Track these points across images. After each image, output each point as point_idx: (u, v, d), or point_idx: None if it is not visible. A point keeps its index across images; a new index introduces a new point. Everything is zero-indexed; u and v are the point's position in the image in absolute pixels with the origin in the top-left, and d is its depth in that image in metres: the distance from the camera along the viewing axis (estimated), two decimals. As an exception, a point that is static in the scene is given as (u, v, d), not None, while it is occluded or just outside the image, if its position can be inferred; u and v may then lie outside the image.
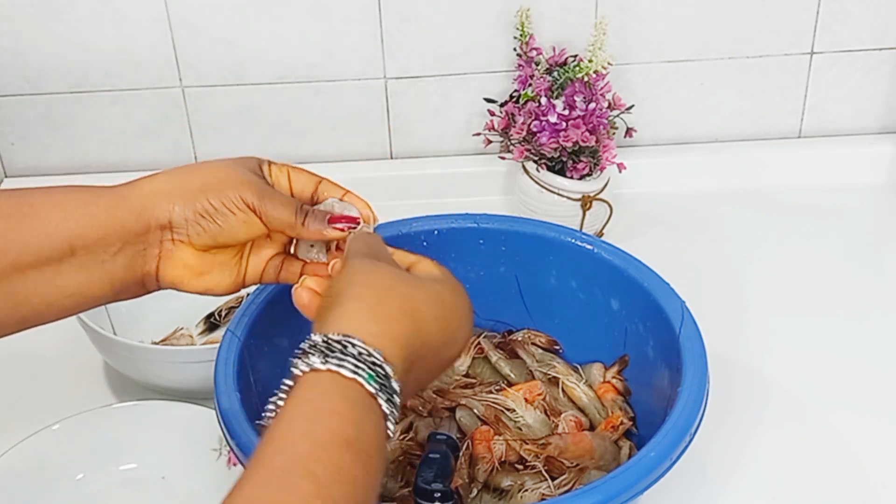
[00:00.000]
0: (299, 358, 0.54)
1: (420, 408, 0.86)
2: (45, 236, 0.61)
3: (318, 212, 0.68)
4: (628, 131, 1.14)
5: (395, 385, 0.54)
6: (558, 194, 1.09)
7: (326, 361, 0.53)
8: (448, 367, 0.64)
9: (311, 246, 0.71)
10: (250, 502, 0.47)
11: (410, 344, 0.57)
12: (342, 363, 0.52)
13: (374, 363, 0.53)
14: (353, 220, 0.68)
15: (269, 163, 0.70)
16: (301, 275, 0.70)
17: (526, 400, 0.85)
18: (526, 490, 0.78)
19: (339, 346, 0.53)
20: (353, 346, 0.53)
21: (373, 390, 0.52)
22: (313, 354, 0.53)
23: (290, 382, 0.53)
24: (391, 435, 0.54)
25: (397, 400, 0.54)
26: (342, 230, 0.68)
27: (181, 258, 0.65)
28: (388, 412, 0.53)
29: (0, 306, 0.60)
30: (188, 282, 0.66)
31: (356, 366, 0.52)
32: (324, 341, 0.54)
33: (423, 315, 0.58)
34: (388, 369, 0.54)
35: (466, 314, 0.64)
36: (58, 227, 0.62)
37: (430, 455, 0.77)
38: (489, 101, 1.17)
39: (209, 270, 0.67)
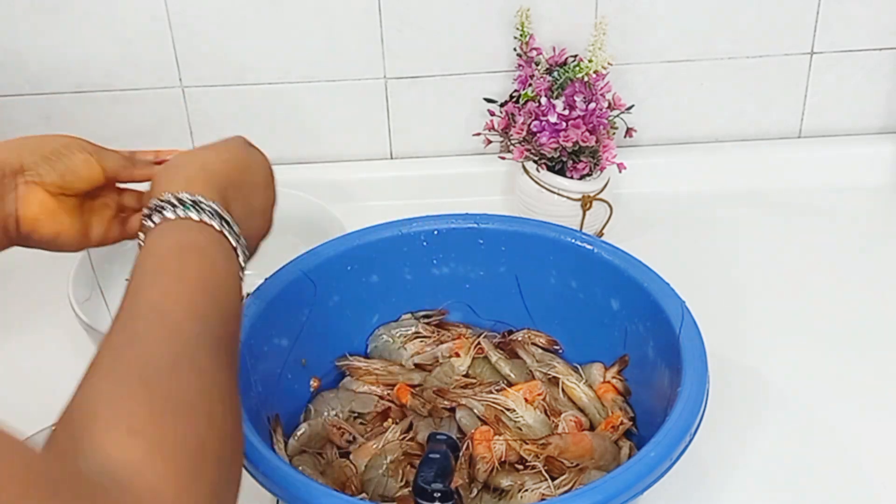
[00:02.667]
0: (149, 218, 0.63)
1: (420, 408, 0.86)
2: None
3: (140, 156, 0.79)
4: (628, 131, 1.14)
5: (227, 215, 0.63)
6: (558, 194, 1.09)
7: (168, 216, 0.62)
8: (259, 189, 0.72)
9: None
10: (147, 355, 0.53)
11: (216, 183, 0.66)
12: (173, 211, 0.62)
13: (197, 203, 0.63)
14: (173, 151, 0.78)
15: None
16: None
17: (526, 400, 0.85)
18: (526, 490, 0.78)
19: (170, 205, 0.62)
20: (180, 200, 0.62)
21: (217, 226, 0.62)
22: (160, 212, 0.63)
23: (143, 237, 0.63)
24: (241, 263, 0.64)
25: (236, 229, 0.64)
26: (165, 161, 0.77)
27: (35, 197, 0.71)
28: (229, 237, 0.63)
29: None
30: (43, 222, 0.72)
31: (189, 210, 0.62)
32: (158, 204, 0.63)
33: (211, 164, 0.68)
34: (213, 204, 0.63)
35: (238, 147, 0.73)
36: None
37: (430, 455, 0.77)
38: (489, 101, 1.17)
39: (60, 213, 0.72)
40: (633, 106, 1.14)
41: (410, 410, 0.86)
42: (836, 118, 1.25)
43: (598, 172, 1.10)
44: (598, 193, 1.10)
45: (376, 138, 1.25)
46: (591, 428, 0.85)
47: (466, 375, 0.90)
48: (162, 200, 0.63)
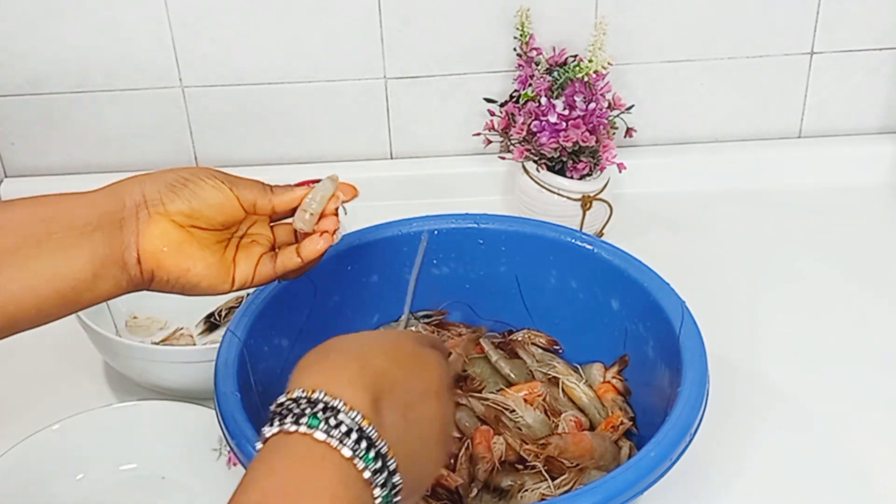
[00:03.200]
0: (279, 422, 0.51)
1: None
2: (21, 219, 0.62)
3: (281, 186, 0.70)
4: (628, 131, 1.14)
5: (371, 431, 0.51)
6: (558, 194, 1.09)
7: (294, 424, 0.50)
8: (427, 399, 0.58)
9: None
10: None
11: (368, 379, 0.54)
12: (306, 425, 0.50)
13: (332, 409, 0.50)
14: (313, 181, 0.71)
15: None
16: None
17: (526, 400, 0.85)
18: (526, 490, 0.78)
19: (296, 407, 0.51)
20: (310, 401, 0.51)
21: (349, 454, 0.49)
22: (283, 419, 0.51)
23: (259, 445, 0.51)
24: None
25: (381, 448, 0.51)
26: (307, 183, 0.71)
27: (158, 227, 0.65)
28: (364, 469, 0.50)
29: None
30: (167, 255, 0.65)
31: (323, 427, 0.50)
32: (281, 403, 0.52)
33: (368, 354, 0.56)
34: (352, 416, 0.50)
35: (416, 343, 0.61)
36: (35, 211, 0.63)
37: None
38: (489, 101, 1.17)
39: (189, 244, 0.66)
40: (633, 106, 1.14)
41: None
42: (836, 118, 1.25)
43: (598, 172, 1.10)
44: (598, 193, 1.10)
45: (376, 138, 1.25)
46: (591, 428, 0.85)
47: (466, 375, 0.90)
48: (287, 399, 0.52)
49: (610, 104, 1.10)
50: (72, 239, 0.62)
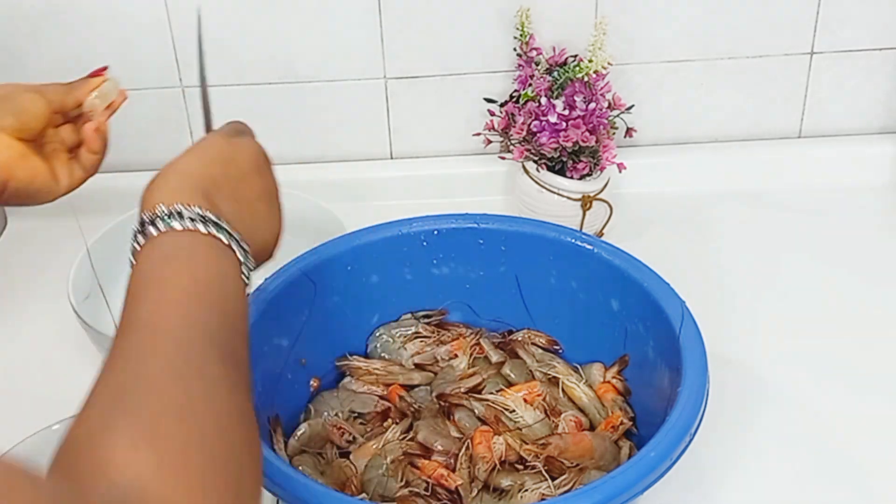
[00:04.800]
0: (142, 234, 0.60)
1: (408, 409, 0.86)
2: None
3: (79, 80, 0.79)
4: (628, 131, 1.14)
5: (212, 215, 0.60)
6: (558, 194, 1.09)
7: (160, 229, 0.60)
8: (249, 179, 0.68)
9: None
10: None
11: (196, 186, 0.63)
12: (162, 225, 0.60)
13: (178, 213, 0.60)
14: (101, 69, 0.83)
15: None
16: None
17: (526, 400, 0.85)
18: (526, 490, 0.78)
19: (150, 222, 0.60)
20: (159, 215, 0.60)
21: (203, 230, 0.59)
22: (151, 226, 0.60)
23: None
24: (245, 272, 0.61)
25: (226, 226, 0.61)
26: (100, 75, 0.82)
27: (2, 142, 0.72)
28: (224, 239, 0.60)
29: None
30: (17, 166, 0.72)
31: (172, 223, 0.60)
32: (137, 226, 0.61)
33: (189, 168, 0.65)
34: (195, 209, 0.60)
35: (225, 140, 0.70)
36: None
37: None
38: (489, 101, 1.17)
39: (30, 156, 0.73)
40: (633, 106, 1.14)
41: (399, 412, 0.87)
42: (836, 118, 1.25)
43: (598, 172, 1.10)
44: (598, 193, 1.10)
45: (376, 138, 1.25)
46: (591, 428, 0.85)
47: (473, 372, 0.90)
48: (142, 220, 0.60)
49: (610, 104, 1.10)
50: None
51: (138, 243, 0.60)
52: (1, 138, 0.72)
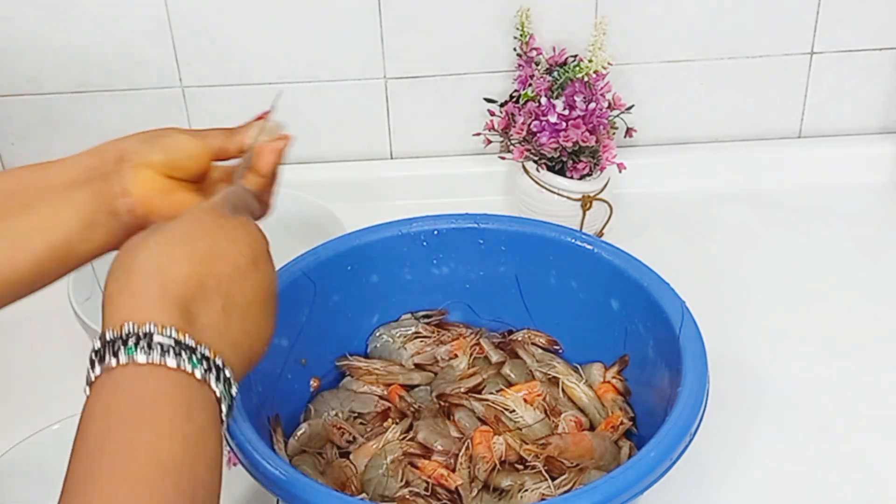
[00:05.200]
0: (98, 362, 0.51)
1: (408, 409, 0.86)
2: (5, 187, 0.64)
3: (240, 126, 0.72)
4: (628, 131, 1.14)
5: (189, 340, 0.51)
6: (558, 194, 1.09)
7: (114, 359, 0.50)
8: (241, 277, 0.58)
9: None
10: None
11: (173, 293, 0.53)
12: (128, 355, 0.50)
13: (146, 337, 0.50)
14: (263, 114, 0.74)
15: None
16: None
17: (526, 400, 0.85)
18: (526, 490, 0.78)
19: (110, 347, 0.51)
20: (122, 338, 0.51)
21: (174, 364, 0.50)
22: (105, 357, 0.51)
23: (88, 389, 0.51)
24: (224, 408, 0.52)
25: (204, 352, 0.51)
26: (262, 117, 0.73)
27: (144, 175, 0.66)
28: (204, 377, 0.51)
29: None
30: (159, 201, 0.67)
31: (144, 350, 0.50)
32: (97, 347, 0.52)
33: (166, 266, 0.55)
34: (168, 335, 0.51)
35: (214, 222, 0.59)
36: (17, 178, 0.65)
37: None
38: (489, 101, 1.17)
39: (176, 190, 0.68)
40: (633, 106, 1.14)
41: (399, 412, 0.87)
42: (836, 118, 1.25)
43: (598, 172, 1.10)
44: (598, 193, 1.10)
45: (376, 138, 1.25)
46: (591, 428, 0.85)
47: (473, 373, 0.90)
48: (103, 340, 0.51)
49: (610, 104, 1.10)
50: (58, 195, 0.64)
51: (93, 370, 0.51)
52: (145, 172, 0.67)
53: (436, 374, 0.90)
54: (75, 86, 1.20)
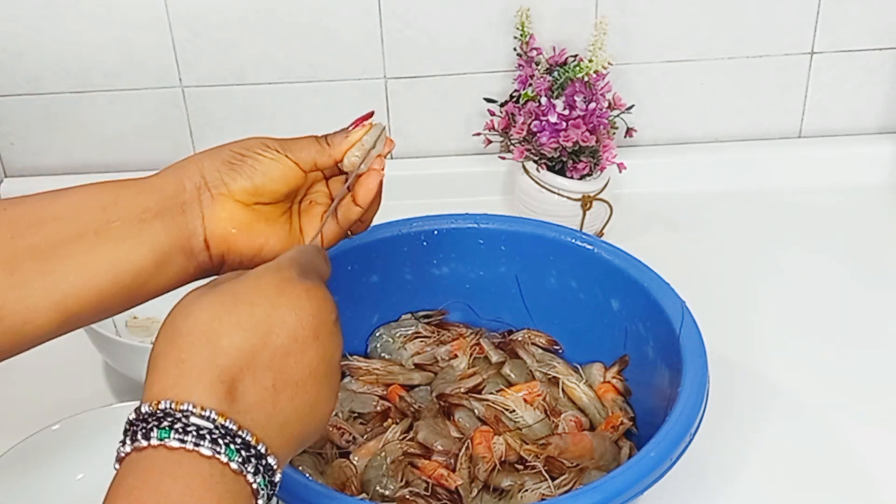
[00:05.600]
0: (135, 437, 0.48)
1: (408, 409, 0.86)
2: (80, 206, 0.59)
3: (339, 130, 0.66)
4: (628, 131, 1.14)
5: (230, 424, 0.48)
6: (558, 194, 1.09)
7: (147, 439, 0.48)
8: (297, 352, 0.52)
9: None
10: None
11: (221, 367, 0.49)
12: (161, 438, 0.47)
13: (183, 419, 0.47)
14: (366, 116, 0.67)
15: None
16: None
17: (526, 400, 0.85)
18: (526, 490, 0.78)
19: (142, 425, 0.48)
20: (157, 416, 0.47)
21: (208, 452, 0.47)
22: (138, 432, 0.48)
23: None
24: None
25: (246, 437, 0.48)
26: (362, 123, 0.67)
27: (224, 209, 0.62)
28: (243, 471, 0.47)
29: (36, 286, 0.57)
30: (238, 237, 0.63)
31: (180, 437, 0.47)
32: (133, 420, 0.49)
33: (218, 338, 0.50)
34: (209, 415, 0.47)
35: (277, 288, 0.54)
36: (93, 196, 0.60)
37: None
38: (489, 100, 1.16)
39: (257, 224, 0.63)
40: (633, 106, 1.14)
41: (399, 412, 0.87)
42: (836, 118, 1.25)
43: (599, 172, 1.10)
44: (598, 193, 1.10)
45: (376, 138, 1.25)
46: (592, 428, 0.85)
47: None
48: (139, 415, 0.48)
49: (610, 104, 1.10)
50: (132, 227, 0.60)
51: (124, 446, 0.49)
52: (224, 205, 0.62)
53: (436, 374, 0.90)
54: (75, 86, 1.20)
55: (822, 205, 1.20)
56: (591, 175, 1.10)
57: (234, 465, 0.47)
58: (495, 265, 0.92)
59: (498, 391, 0.87)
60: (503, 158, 1.15)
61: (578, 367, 0.90)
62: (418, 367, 0.91)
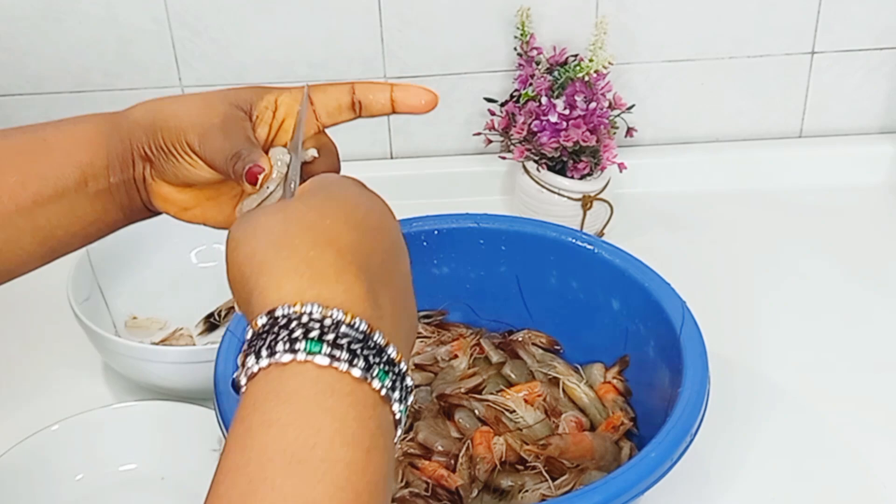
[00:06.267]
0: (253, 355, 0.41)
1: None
2: (59, 167, 0.61)
3: (247, 159, 0.57)
4: (629, 131, 1.14)
5: (379, 338, 0.41)
6: (559, 194, 1.09)
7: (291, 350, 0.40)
8: (401, 257, 0.50)
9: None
10: None
11: (351, 267, 0.43)
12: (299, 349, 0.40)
13: (335, 328, 0.40)
14: (256, 170, 0.57)
15: (274, 96, 0.63)
16: None
17: (526, 400, 0.85)
18: (526, 490, 0.78)
19: (285, 333, 0.41)
20: (300, 317, 0.41)
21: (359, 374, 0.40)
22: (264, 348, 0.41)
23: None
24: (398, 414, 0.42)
25: (393, 355, 0.42)
26: (249, 179, 0.56)
27: (160, 192, 0.63)
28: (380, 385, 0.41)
29: (27, 241, 0.60)
30: (177, 215, 0.64)
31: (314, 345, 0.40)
32: (262, 329, 0.42)
33: (336, 231, 0.45)
34: (358, 326, 0.41)
35: (357, 188, 0.51)
36: (70, 157, 0.62)
37: None
38: (489, 100, 1.16)
39: (194, 206, 0.63)
40: (633, 105, 1.13)
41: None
42: (836, 118, 1.25)
43: (599, 172, 1.10)
44: (598, 193, 1.10)
45: (376, 138, 1.25)
46: (592, 428, 0.85)
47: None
48: (269, 319, 0.41)
49: (610, 104, 1.10)
50: (104, 191, 0.62)
51: (258, 360, 0.41)
52: (159, 189, 0.62)
53: (436, 374, 0.90)
54: (75, 86, 1.20)
55: (822, 205, 1.20)
56: (592, 175, 1.10)
57: (384, 392, 0.41)
58: (496, 265, 0.92)
59: (498, 391, 0.87)
60: (503, 158, 1.15)
61: (579, 367, 0.89)
62: (418, 367, 0.91)
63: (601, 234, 1.13)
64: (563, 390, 0.87)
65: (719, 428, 0.82)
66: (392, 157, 1.26)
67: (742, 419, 0.90)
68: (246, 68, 1.19)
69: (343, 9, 1.16)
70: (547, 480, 0.78)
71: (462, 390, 0.86)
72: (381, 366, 0.41)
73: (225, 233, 0.56)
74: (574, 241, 0.88)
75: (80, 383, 0.98)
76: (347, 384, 0.40)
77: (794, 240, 1.14)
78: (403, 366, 0.43)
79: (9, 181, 0.60)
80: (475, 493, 0.79)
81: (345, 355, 0.40)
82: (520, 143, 1.10)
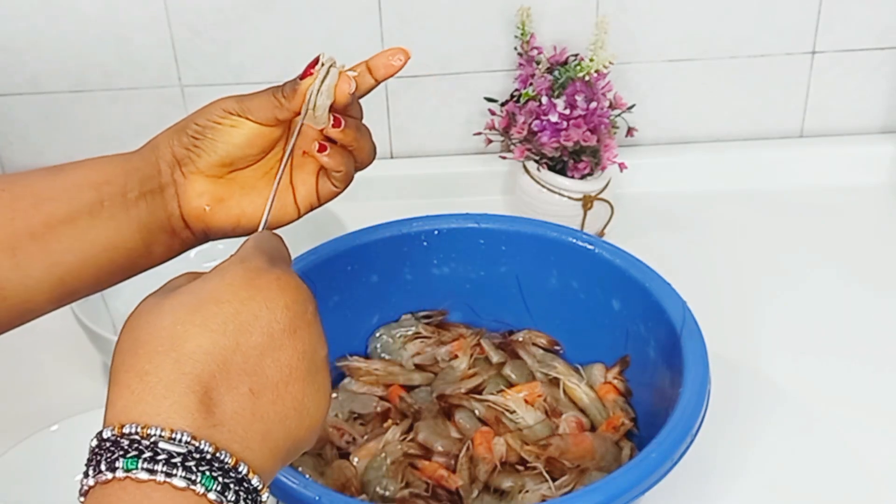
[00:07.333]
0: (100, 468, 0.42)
1: (408, 410, 0.86)
2: (74, 188, 0.60)
3: (289, 81, 0.61)
4: (629, 131, 1.14)
5: (206, 446, 0.42)
6: (559, 194, 1.09)
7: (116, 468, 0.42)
8: (275, 348, 0.47)
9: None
10: None
11: (183, 377, 0.44)
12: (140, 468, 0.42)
13: (151, 448, 0.42)
14: (314, 62, 0.62)
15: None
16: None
17: (526, 401, 0.85)
18: (527, 491, 0.78)
19: (105, 453, 0.42)
20: (120, 444, 0.42)
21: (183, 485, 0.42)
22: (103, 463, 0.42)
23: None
24: None
25: (225, 460, 0.43)
26: (308, 73, 0.61)
27: (195, 188, 0.62)
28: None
29: (36, 266, 0.58)
30: (213, 213, 0.62)
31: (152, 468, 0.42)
32: (94, 447, 0.43)
33: (184, 345, 0.45)
34: (182, 439, 0.42)
35: (243, 277, 0.48)
36: (86, 177, 0.61)
37: None
38: (490, 100, 1.16)
39: (230, 195, 0.63)
40: (634, 105, 1.13)
41: (399, 413, 0.86)
42: (836, 118, 1.25)
43: (599, 172, 1.10)
44: (599, 193, 1.10)
45: (376, 138, 1.23)
46: (592, 429, 0.85)
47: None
48: (100, 442, 0.43)
49: (611, 103, 1.10)
50: (121, 209, 0.61)
51: (87, 479, 0.43)
52: (193, 184, 0.62)
53: (436, 374, 0.90)
54: (75, 85, 1.19)
55: (822, 205, 1.19)
56: (592, 175, 1.10)
57: (212, 496, 0.42)
58: (496, 265, 0.92)
59: (498, 392, 0.87)
60: (504, 158, 1.15)
61: (579, 367, 0.89)
62: (419, 367, 0.91)
63: (602, 234, 1.13)
64: (564, 391, 0.87)
65: (720, 428, 0.82)
66: (392, 157, 1.26)
67: (743, 419, 0.90)
68: (246, 68, 1.19)
69: (343, 9, 1.15)
70: (547, 481, 0.78)
71: (462, 391, 0.86)
72: (209, 472, 0.42)
73: (231, 240, 0.64)
74: (574, 241, 0.88)
75: (80, 383, 0.98)
76: (168, 492, 0.41)
77: (794, 240, 1.14)
78: (243, 468, 0.43)
79: (22, 205, 0.59)
80: (475, 493, 0.79)
81: (161, 468, 0.41)
82: (520, 142, 1.10)
